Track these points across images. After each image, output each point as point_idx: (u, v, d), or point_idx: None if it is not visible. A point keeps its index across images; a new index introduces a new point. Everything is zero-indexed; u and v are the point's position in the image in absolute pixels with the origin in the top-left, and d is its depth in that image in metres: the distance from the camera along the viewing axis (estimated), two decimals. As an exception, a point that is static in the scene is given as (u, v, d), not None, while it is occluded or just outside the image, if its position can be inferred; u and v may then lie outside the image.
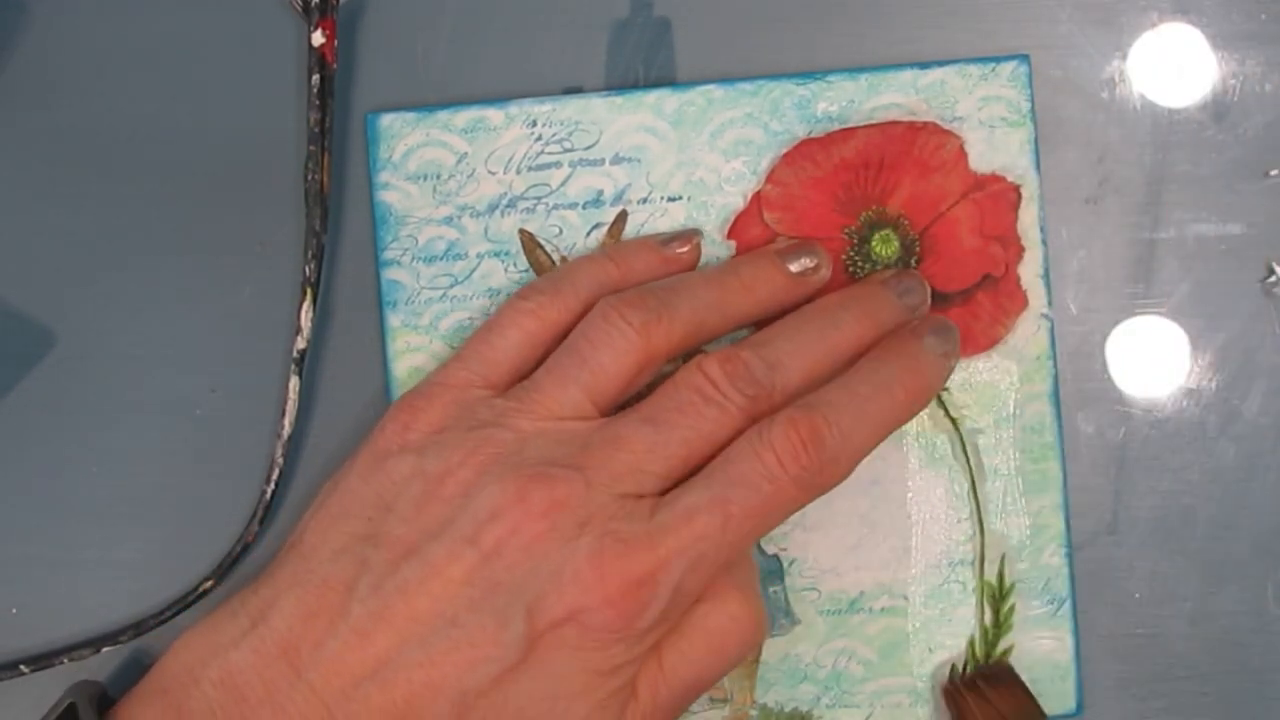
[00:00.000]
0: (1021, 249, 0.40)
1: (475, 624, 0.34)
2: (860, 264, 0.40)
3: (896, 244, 0.40)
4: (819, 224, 0.40)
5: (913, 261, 0.40)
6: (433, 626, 0.34)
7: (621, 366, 0.36)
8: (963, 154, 0.40)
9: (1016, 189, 0.40)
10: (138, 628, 0.40)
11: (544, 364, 0.37)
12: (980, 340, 0.40)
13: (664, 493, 0.35)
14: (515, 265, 0.40)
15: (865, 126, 0.40)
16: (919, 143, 0.40)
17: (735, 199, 0.40)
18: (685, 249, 0.39)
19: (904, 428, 0.40)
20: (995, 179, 0.40)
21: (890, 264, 0.40)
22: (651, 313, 0.36)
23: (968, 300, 0.40)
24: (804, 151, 0.40)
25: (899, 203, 0.40)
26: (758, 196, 0.40)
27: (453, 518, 0.35)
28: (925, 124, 0.40)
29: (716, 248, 0.40)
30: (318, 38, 0.39)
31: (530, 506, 0.34)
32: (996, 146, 0.40)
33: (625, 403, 0.37)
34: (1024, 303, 0.40)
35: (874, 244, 0.40)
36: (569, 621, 0.33)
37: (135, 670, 0.38)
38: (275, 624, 0.35)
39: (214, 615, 0.36)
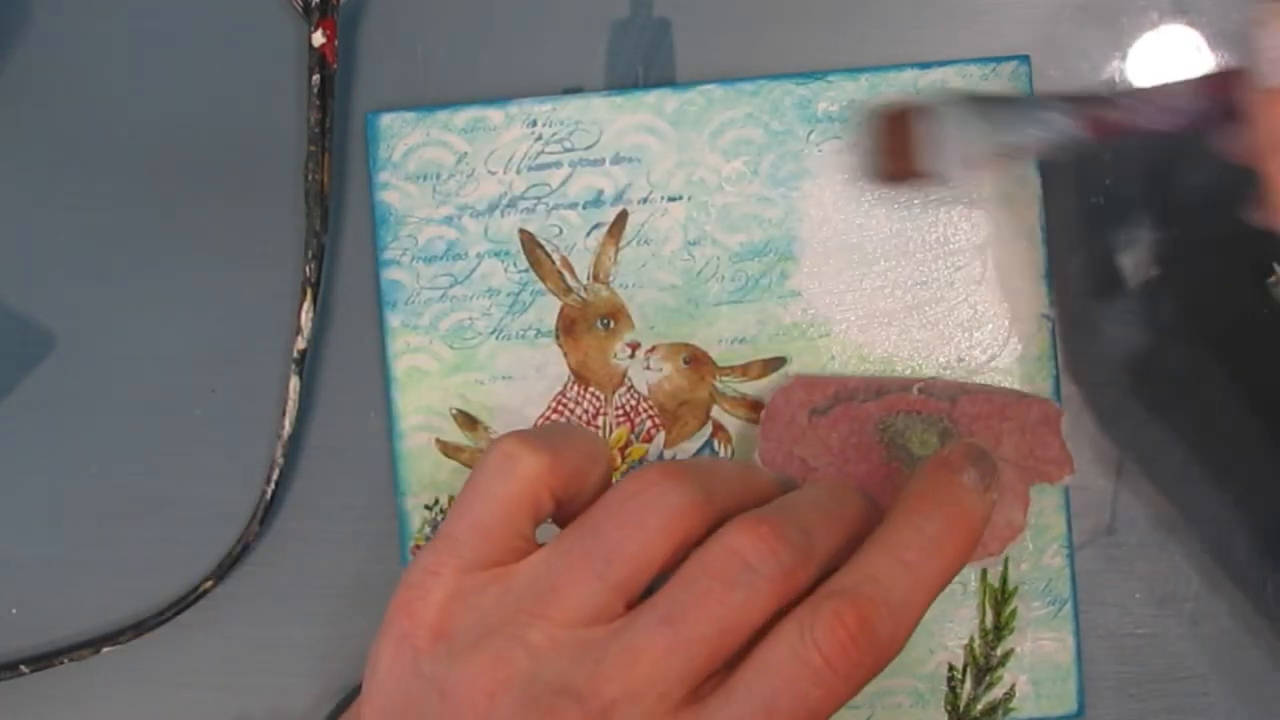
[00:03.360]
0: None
1: None
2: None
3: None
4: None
5: None
6: None
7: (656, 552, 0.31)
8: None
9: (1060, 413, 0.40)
10: (138, 628, 0.40)
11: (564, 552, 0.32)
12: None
13: (695, 692, 0.30)
14: (515, 265, 0.40)
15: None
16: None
17: (735, 199, 0.40)
18: None
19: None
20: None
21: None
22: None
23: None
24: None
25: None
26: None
27: None
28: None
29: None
30: (318, 38, 0.39)
31: None
32: (996, 146, 0.40)
33: None
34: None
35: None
36: None
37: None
38: None
39: None
